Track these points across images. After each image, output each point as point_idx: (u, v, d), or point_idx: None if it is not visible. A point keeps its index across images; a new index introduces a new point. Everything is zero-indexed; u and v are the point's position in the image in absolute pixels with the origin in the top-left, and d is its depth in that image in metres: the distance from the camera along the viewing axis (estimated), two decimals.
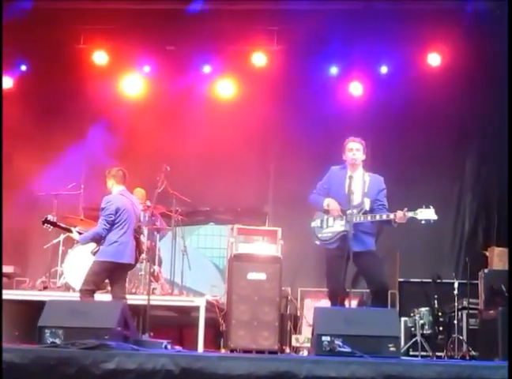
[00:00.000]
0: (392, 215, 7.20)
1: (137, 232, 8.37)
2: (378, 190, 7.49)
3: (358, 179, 7.49)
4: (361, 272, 7.56)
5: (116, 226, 8.07)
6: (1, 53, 10.16)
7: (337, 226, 7.41)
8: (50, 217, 8.53)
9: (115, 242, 8.03)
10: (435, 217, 7.12)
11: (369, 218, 7.30)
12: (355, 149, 7.52)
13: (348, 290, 7.26)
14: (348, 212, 7.23)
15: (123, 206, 8.15)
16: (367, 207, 7.36)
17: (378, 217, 7.29)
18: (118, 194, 8.28)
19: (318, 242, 7.57)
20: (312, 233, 7.59)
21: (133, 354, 5.00)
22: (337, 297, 7.32)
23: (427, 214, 7.12)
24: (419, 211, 7.13)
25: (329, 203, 7.42)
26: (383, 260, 7.78)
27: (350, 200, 7.28)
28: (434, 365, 4.81)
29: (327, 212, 7.46)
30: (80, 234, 8.35)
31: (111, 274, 8.20)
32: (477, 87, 11.60)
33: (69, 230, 8.56)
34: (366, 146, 7.67)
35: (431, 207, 7.13)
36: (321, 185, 7.67)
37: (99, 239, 8.11)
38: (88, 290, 7.97)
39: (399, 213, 7.14)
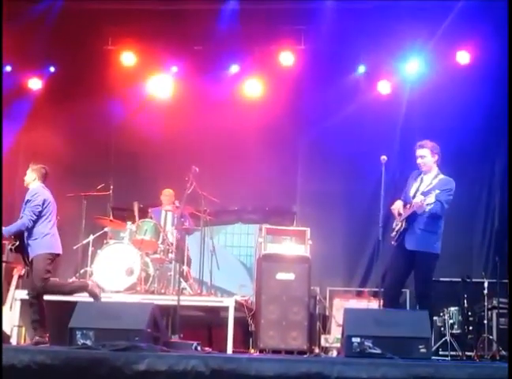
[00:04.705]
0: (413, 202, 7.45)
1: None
2: (439, 190, 7.43)
3: (427, 181, 7.66)
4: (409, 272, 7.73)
5: (44, 218, 8.10)
6: (1, 51, 10.23)
7: (396, 224, 7.69)
8: None
9: (48, 233, 8.08)
10: None
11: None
12: (419, 156, 7.73)
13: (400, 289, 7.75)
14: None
15: (49, 198, 8.22)
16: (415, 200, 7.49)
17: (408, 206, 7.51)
18: (41, 187, 8.29)
19: (392, 242, 7.80)
20: None
21: (163, 356, 5.03)
22: (387, 295, 7.61)
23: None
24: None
25: (394, 204, 7.71)
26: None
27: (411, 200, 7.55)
28: (466, 366, 4.78)
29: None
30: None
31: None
32: (506, 85, 11.48)
33: None
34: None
35: None
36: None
37: (23, 232, 8.06)
38: (48, 287, 8.05)
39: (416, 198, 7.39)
